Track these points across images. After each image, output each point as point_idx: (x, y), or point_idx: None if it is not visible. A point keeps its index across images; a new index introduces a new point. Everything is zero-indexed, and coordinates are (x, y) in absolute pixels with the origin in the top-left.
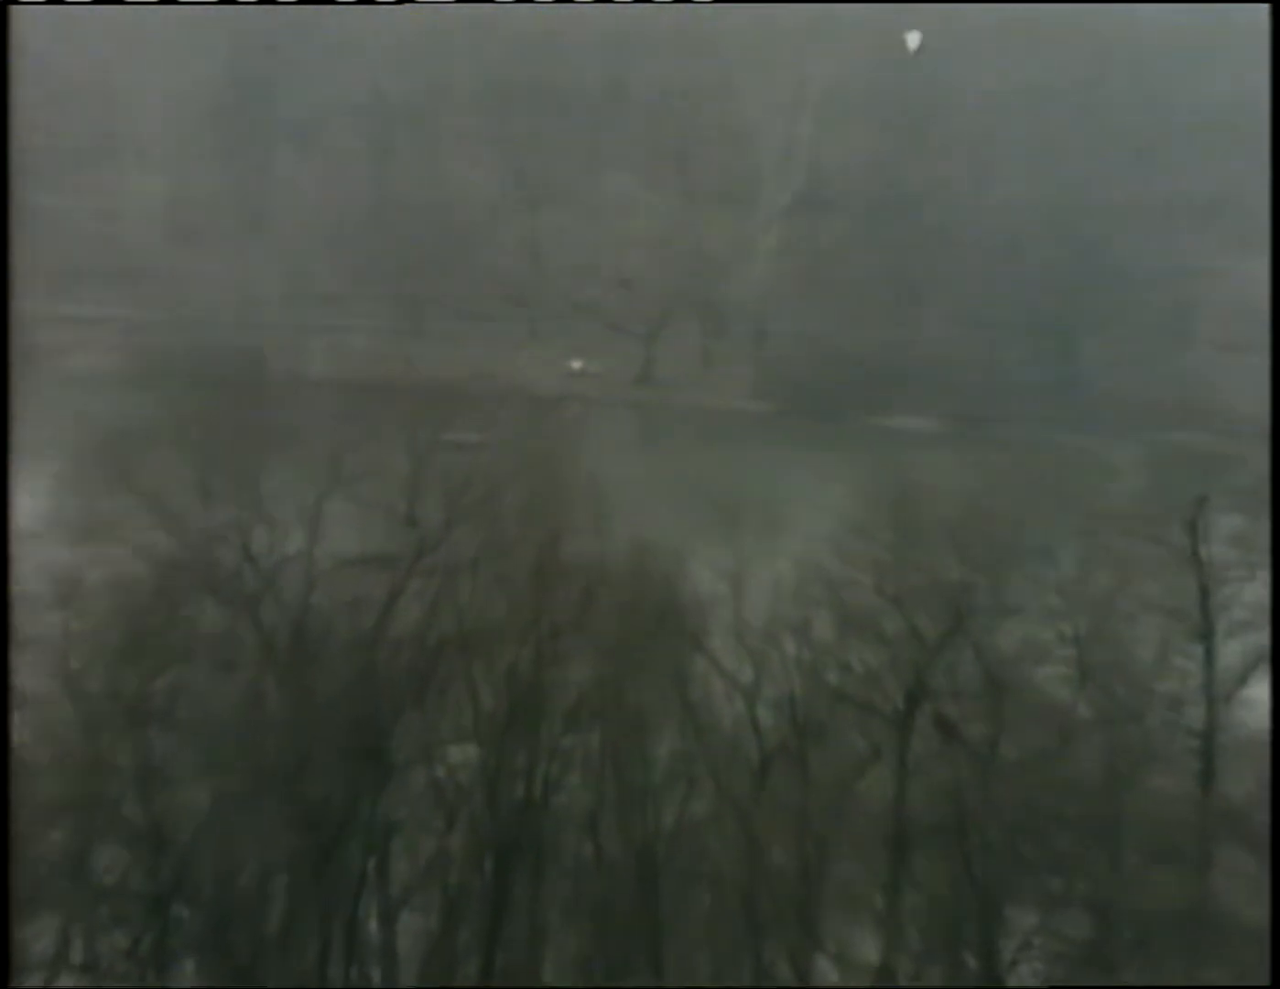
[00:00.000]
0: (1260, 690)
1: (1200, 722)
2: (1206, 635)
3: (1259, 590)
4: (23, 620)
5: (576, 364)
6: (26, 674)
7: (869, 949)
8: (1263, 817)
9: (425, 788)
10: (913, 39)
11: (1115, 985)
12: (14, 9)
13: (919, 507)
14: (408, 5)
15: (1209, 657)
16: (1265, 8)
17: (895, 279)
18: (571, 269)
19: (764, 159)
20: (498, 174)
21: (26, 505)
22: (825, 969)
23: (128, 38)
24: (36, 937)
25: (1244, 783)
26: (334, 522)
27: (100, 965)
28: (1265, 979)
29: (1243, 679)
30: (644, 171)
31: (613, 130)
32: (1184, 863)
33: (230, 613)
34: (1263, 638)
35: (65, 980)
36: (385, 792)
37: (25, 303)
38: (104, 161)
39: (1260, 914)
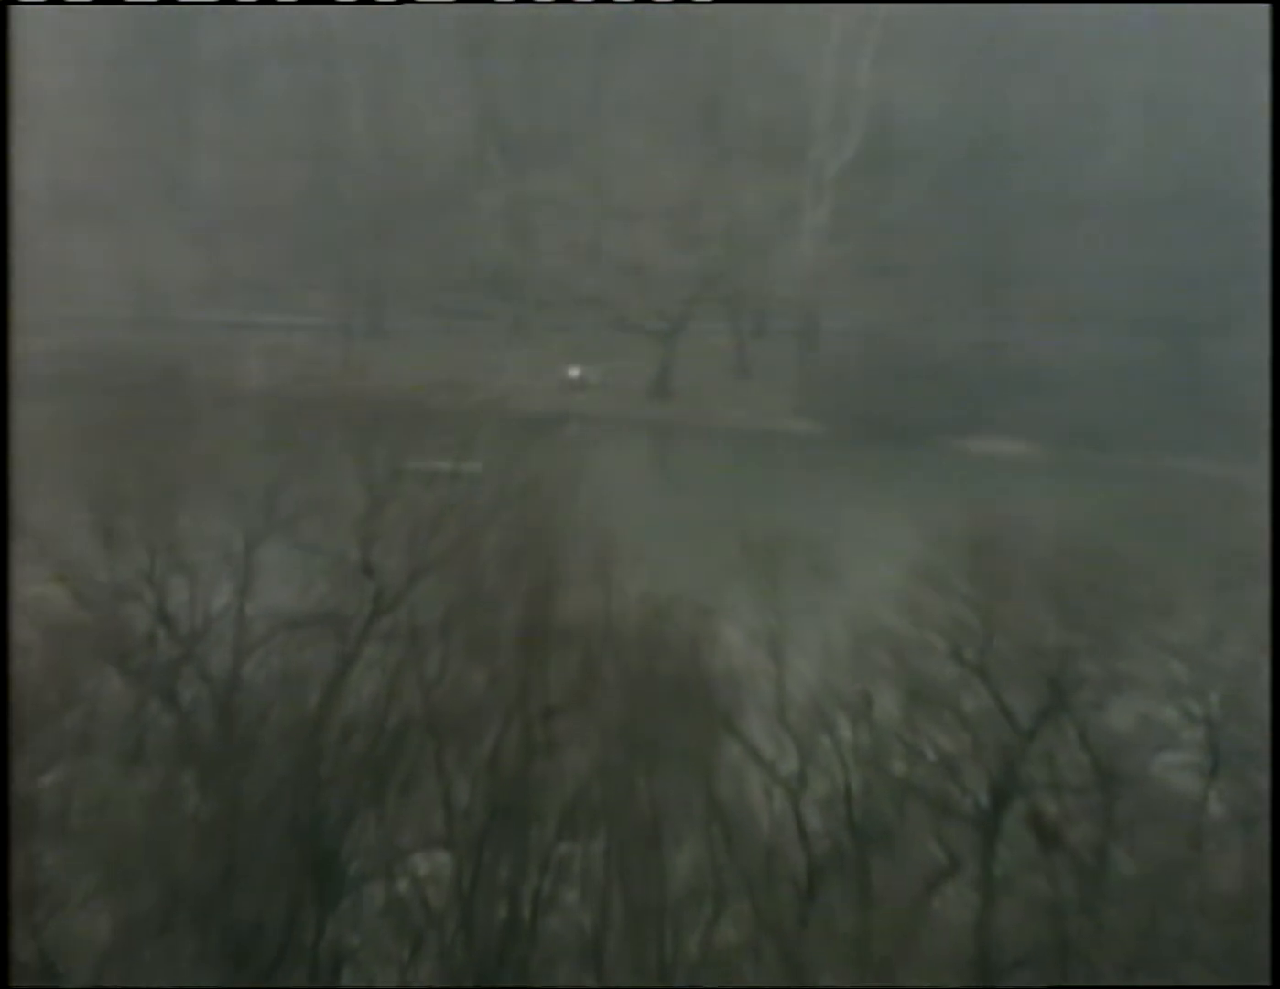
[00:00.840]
0: None
1: None
2: None
3: None
4: None
5: (574, 371)
6: None
7: None
8: None
9: (385, 908)
10: None
11: (1115, 985)
12: (14, 9)
13: (1008, 551)
14: None
15: None
16: (1265, 8)
17: (979, 262)
18: (568, 250)
19: (813, 109)
20: (473, 128)
21: None
22: None
23: None
24: None
25: None
26: (269, 571)
27: None
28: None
29: None
30: (660, 125)
31: (620, 72)
32: None
33: (139, 689)
34: None
35: None
36: (334, 913)
37: None
38: None
39: None
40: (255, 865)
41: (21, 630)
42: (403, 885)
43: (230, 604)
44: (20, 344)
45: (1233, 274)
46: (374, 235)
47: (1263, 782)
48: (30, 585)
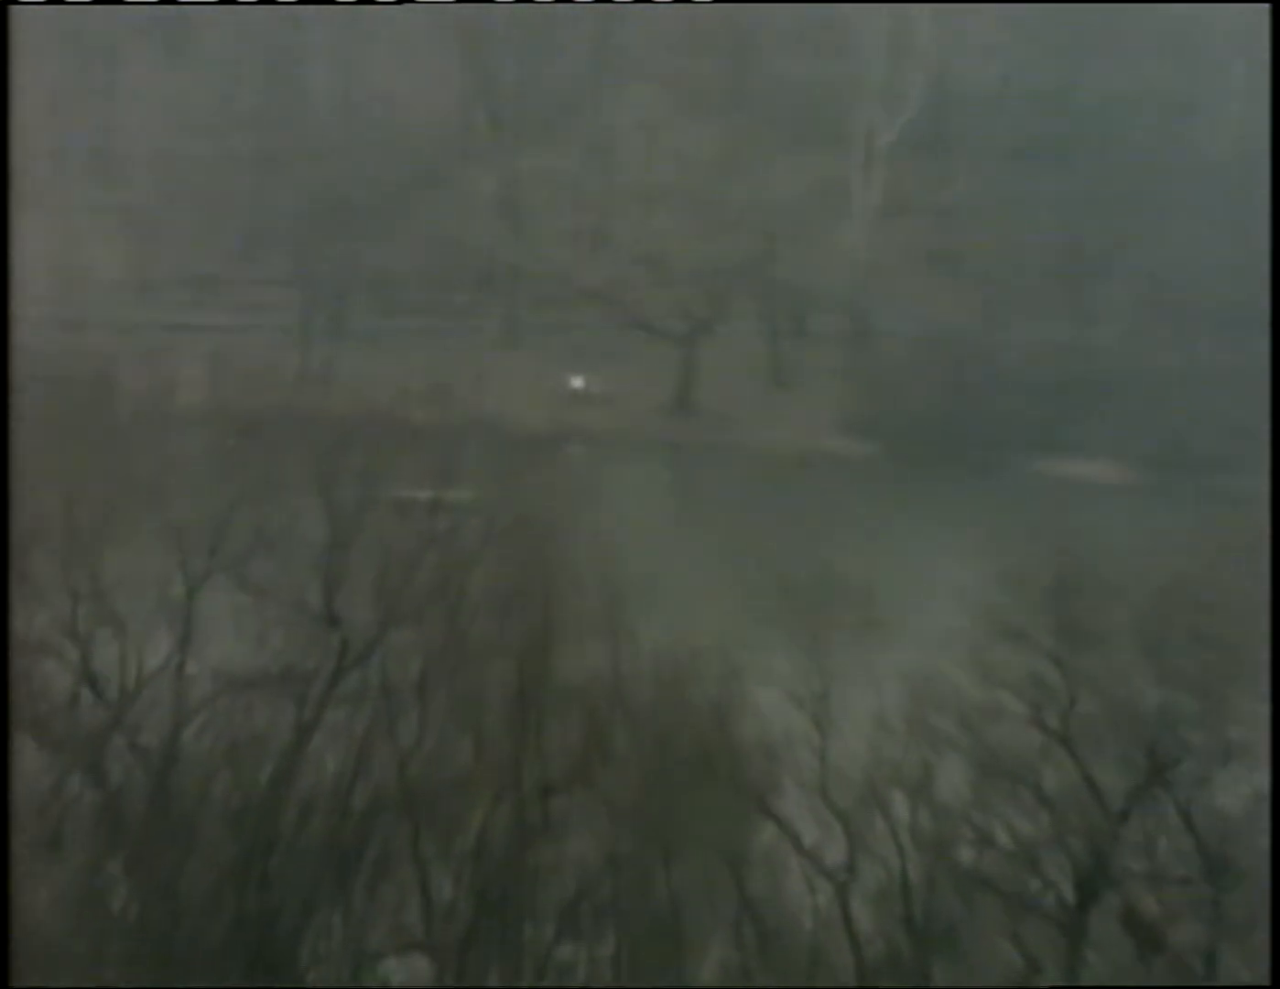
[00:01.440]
0: None
1: None
2: None
3: None
4: None
5: (578, 381)
6: None
7: None
8: None
9: None
10: None
11: (1116, 986)
12: (14, 9)
13: (1095, 594)
14: None
15: None
16: (1266, 8)
17: (1057, 251)
18: (569, 237)
19: (861, 74)
20: (457, 91)
21: None
22: None
23: None
24: None
25: None
26: (214, 621)
27: None
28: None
29: None
30: (677, 90)
31: (630, 26)
32: None
33: (60, 762)
34: None
35: None
36: None
37: None
38: None
39: None
40: (194, 973)
41: None
42: None
43: (168, 660)
44: None
45: None
46: (339, 219)
47: None
48: None
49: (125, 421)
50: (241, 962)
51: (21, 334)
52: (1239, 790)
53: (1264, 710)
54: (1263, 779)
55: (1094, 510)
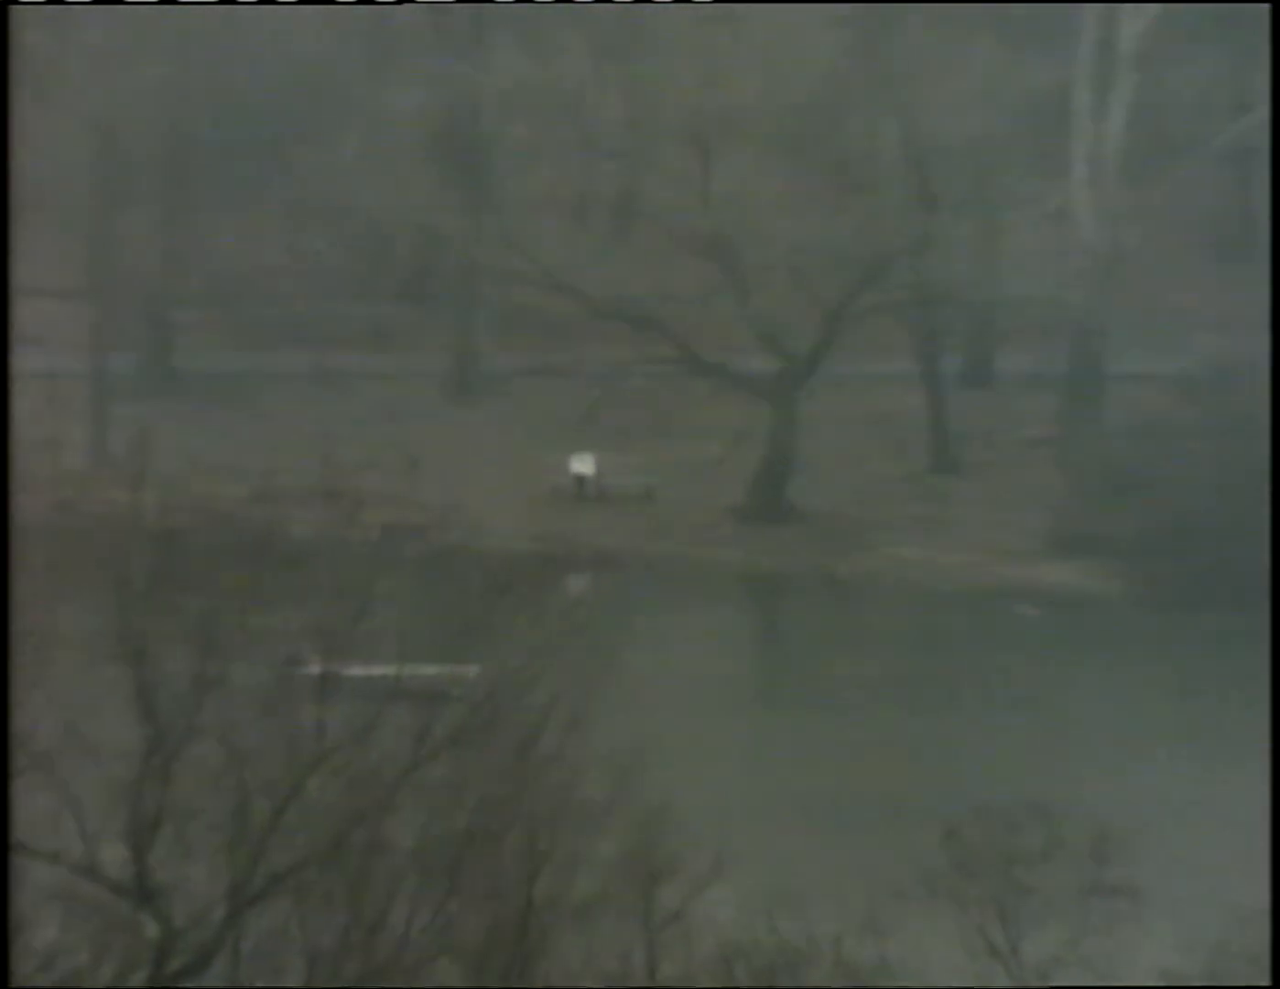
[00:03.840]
0: None
1: None
2: None
3: None
4: None
5: (583, 463)
6: None
7: None
8: None
9: None
10: None
11: (1115, 986)
12: (13, 9)
13: None
14: None
15: None
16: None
17: None
18: (561, 204)
19: None
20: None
21: None
22: None
23: None
24: None
25: None
26: None
27: None
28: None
29: None
30: None
31: None
32: None
33: None
34: None
35: None
36: None
37: None
38: None
39: None
40: None
41: None
42: None
43: None
44: None
45: None
46: (157, 184)
47: None
48: None
49: None
50: None
51: None
52: None
53: None
54: None
55: None
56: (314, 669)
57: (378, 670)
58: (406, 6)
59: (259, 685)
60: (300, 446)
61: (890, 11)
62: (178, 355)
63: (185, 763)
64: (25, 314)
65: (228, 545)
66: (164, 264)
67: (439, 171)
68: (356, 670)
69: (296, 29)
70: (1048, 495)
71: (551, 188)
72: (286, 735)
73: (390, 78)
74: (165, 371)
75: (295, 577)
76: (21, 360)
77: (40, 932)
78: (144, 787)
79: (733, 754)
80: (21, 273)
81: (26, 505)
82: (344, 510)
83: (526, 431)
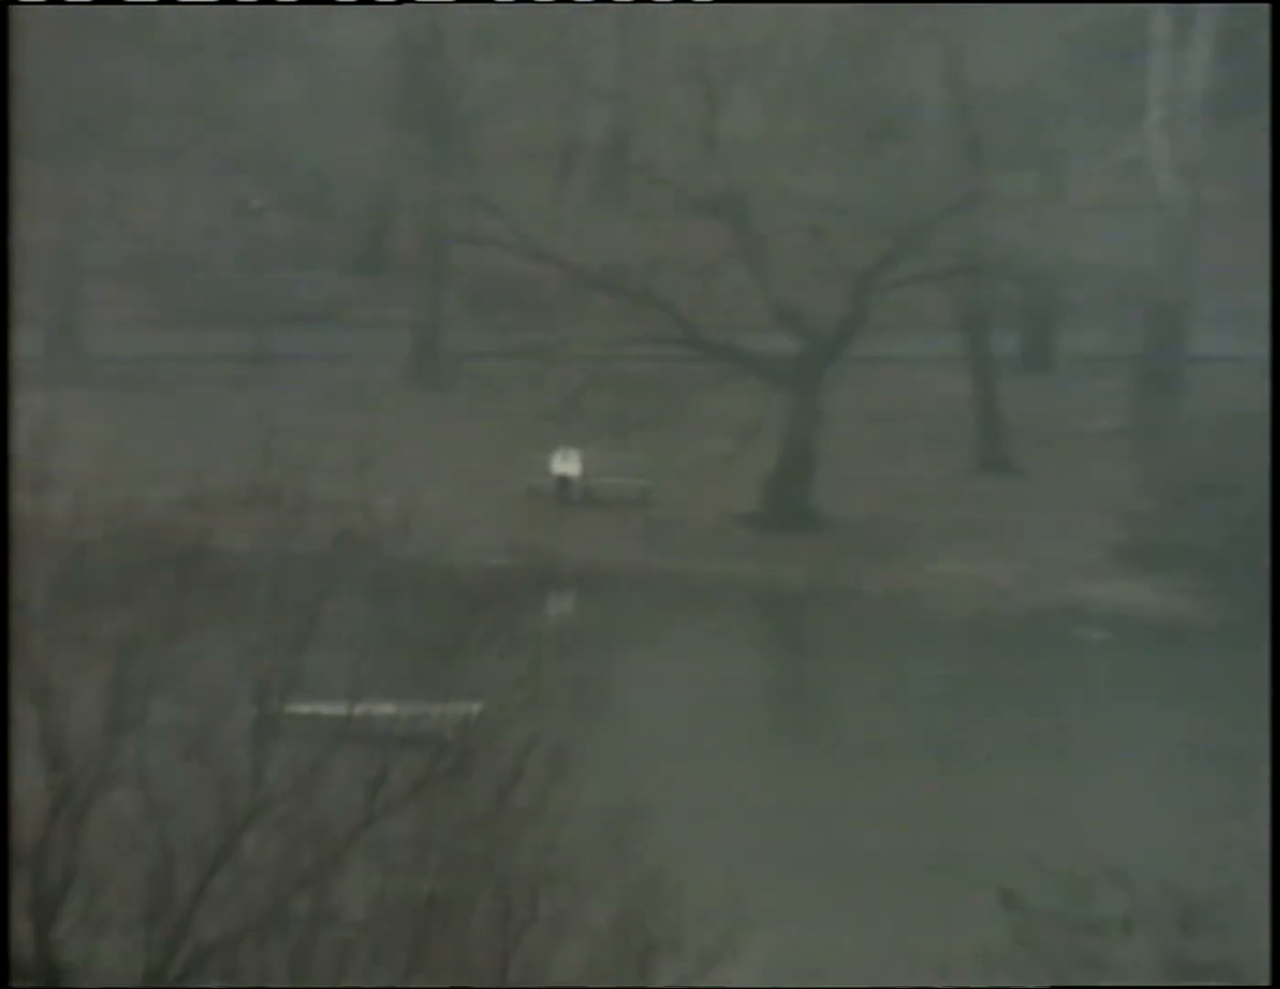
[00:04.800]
0: None
1: None
2: None
3: None
4: None
5: (566, 462)
6: None
7: None
8: None
9: None
10: None
11: (1115, 985)
12: (13, 9)
13: None
14: None
15: None
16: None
17: None
18: (547, 150)
19: None
20: None
21: None
22: None
23: None
24: None
25: None
26: None
27: None
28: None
29: None
30: None
31: None
32: None
33: None
34: None
35: None
36: None
37: None
38: None
39: None
40: None
41: None
42: None
43: None
44: None
45: None
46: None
47: None
48: None
49: None
50: None
51: None
52: None
53: None
54: None
55: None
56: (250, 707)
57: (325, 708)
58: None
59: (185, 726)
60: (235, 442)
61: None
62: (89, 335)
63: (97, 818)
64: None
65: (149, 560)
66: (72, 228)
67: (398, 118)
68: (301, 708)
69: None
70: (1118, 498)
71: (530, 137)
72: (217, 784)
73: (340, 8)
74: (75, 354)
75: (228, 596)
76: None
77: None
78: (48, 848)
79: (746, 809)
80: None
81: None
82: (286, 517)
83: (501, 424)
